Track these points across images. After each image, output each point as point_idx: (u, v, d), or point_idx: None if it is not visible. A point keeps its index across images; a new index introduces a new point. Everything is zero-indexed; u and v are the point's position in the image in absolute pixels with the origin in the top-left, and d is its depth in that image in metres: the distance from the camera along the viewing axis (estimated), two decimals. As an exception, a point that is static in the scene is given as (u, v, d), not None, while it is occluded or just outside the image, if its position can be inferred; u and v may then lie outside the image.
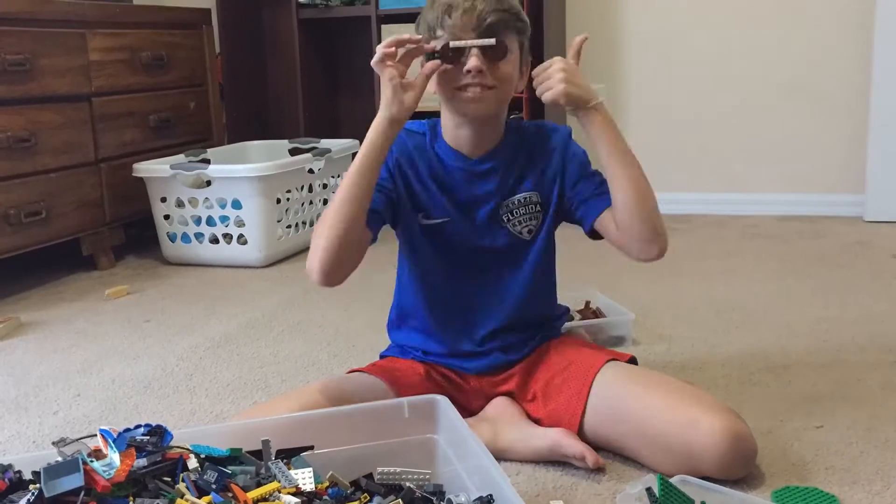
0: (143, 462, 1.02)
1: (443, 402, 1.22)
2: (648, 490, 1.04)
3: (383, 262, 2.75)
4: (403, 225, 1.38)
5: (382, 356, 1.47)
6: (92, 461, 1.01)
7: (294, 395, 1.32)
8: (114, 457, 1.01)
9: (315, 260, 1.25)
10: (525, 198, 1.37)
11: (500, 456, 1.26)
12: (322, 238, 1.24)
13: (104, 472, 0.99)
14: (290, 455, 1.09)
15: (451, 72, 1.27)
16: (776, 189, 3.13)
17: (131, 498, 1.00)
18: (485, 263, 1.38)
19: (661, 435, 1.20)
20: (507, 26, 1.27)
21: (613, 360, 1.34)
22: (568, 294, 1.92)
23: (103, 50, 2.66)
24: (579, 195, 1.35)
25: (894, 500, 1.16)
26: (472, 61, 1.25)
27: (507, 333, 1.39)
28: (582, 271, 2.40)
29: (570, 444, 1.25)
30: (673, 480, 1.09)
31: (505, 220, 1.36)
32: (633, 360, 1.38)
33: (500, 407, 1.37)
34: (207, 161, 2.78)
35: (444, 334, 1.40)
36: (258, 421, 1.16)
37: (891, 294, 2.10)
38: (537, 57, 3.17)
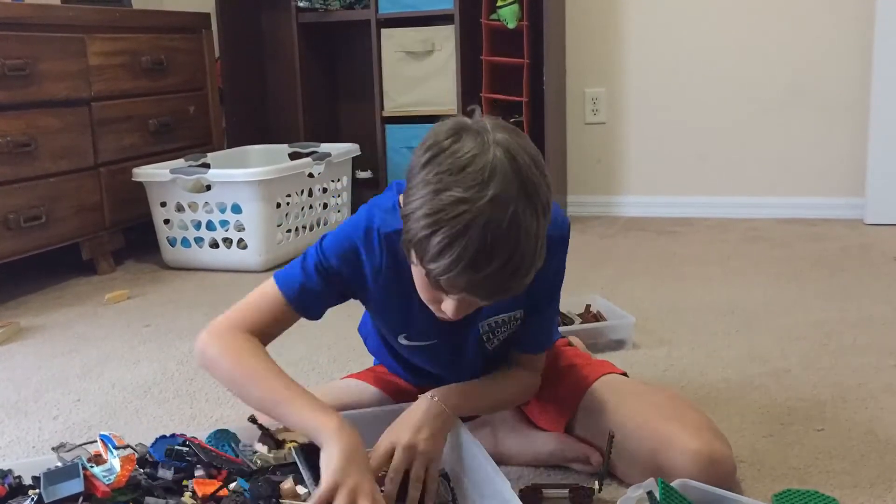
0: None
1: (443, 406, 1.21)
2: (650, 494, 1.04)
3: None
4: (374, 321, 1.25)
5: (377, 363, 1.45)
6: (92, 466, 1.01)
7: None
8: (114, 462, 1.01)
9: (207, 358, 1.12)
10: (509, 317, 1.19)
11: (501, 461, 1.26)
12: (218, 373, 1.12)
13: (104, 477, 0.99)
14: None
15: (429, 290, 1.02)
16: (777, 192, 3.13)
17: (131, 503, 1.00)
18: (456, 359, 1.24)
19: (634, 451, 1.18)
20: (523, 287, 1.00)
21: (606, 374, 1.30)
22: (569, 298, 1.92)
23: (103, 54, 2.66)
24: (529, 322, 1.21)
25: (896, 504, 1.16)
26: (451, 309, 1.01)
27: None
28: (583, 275, 2.40)
29: (573, 447, 1.25)
30: (674, 484, 1.08)
31: (485, 338, 1.21)
32: (624, 375, 1.34)
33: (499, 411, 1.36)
34: (207, 165, 2.78)
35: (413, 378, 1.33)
36: (253, 427, 1.16)
37: (891, 297, 2.10)
38: (537, 57, 3.17)
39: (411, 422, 1.11)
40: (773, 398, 1.52)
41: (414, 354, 1.26)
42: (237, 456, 1.09)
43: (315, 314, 1.18)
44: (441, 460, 1.11)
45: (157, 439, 1.08)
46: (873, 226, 2.90)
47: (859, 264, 2.44)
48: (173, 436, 1.09)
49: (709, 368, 1.68)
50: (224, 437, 1.12)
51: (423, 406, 1.13)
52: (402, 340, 1.22)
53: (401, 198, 1.04)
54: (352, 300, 1.21)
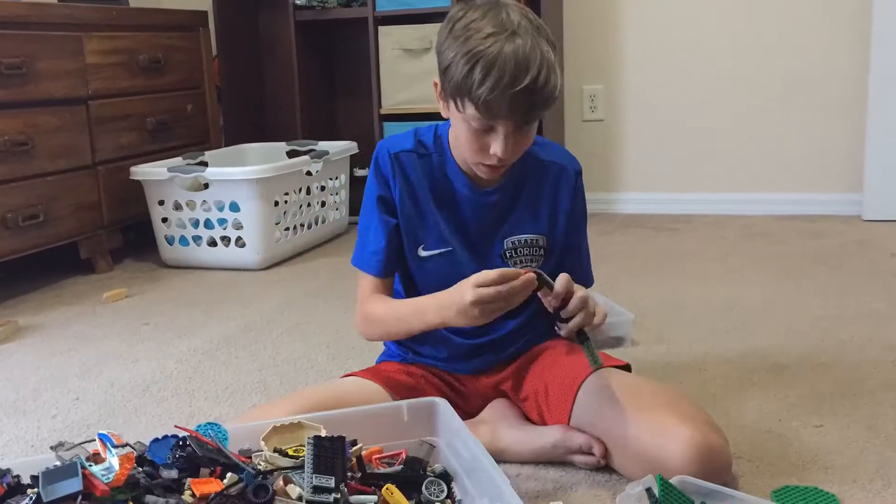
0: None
1: (442, 404, 1.21)
2: (648, 490, 1.04)
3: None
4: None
5: (378, 361, 1.46)
6: (91, 465, 1.01)
7: (291, 398, 1.31)
8: (112, 461, 1.01)
9: (368, 336, 1.39)
10: (531, 240, 1.33)
11: (500, 457, 1.26)
12: (377, 333, 1.37)
13: (103, 476, 0.99)
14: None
15: (477, 139, 1.19)
16: (775, 189, 3.13)
17: (130, 502, 1.00)
18: None
19: (631, 441, 1.18)
20: (545, 112, 1.20)
21: (608, 366, 1.31)
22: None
23: (100, 53, 2.66)
24: (566, 254, 1.36)
25: (894, 499, 1.15)
26: (499, 146, 1.17)
27: (498, 341, 1.37)
28: (580, 272, 2.40)
29: (575, 437, 1.25)
30: (673, 480, 1.08)
31: (507, 255, 1.32)
32: (627, 367, 1.35)
33: (498, 409, 1.36)
34: (205, 164, 2.78)
35: (434, 344, 1.38)
36: (257, 424, 1.16)
37: (889, 293, 2.10)
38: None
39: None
40: (772, 394, 1.53)
41: (432, 275, 1.32)
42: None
43: (392, 269, 1.34)
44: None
45: (151, 443, 1.08)
46: (871, 222, 2.90)
47: (857, 260, 2.45)
48: (166, 437, 1.08)
49: (708, 365, 1.68)
50: (214, 430, 1.12)
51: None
52: (422, 252, 1.32)
53: (435, 80, 1.23)
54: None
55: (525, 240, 1.32)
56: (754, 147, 3.13)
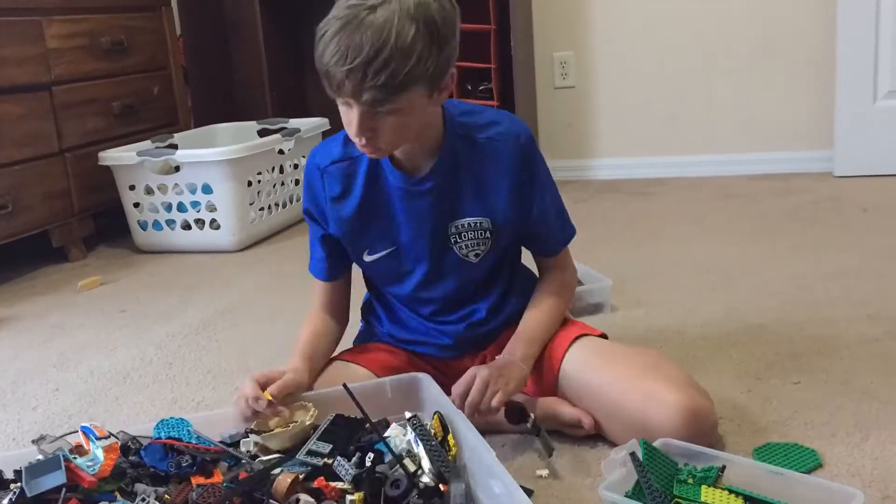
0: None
1: (425, 379, 1.22)
2: (632, 455, 1.05)
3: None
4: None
5: (359, 342, 1.44)
6: (75, 458, 1.00)
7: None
8: (97, 452, 1.00)
9: None
10: (475, 223, 1.26)
11: (488, 429, 1.27)
12: None
13: (88, 468, 0.98)
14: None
15: (344, 116, 1.13)
16: (746, 149, 3.14)
17: (117, 492, 0.99)
18: (436, 277, 1.31)
19: (618, 408, 1.20)
20: (387, 96, 1.07)
21: (583, 335, 1.32)
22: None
23: (61, 37, 2.60)
24: (535, 227, 1.31)
25: (873, 451, 1.18)
26: (353, 127, 1.11)
27: (471, 319, 1.36)
28: (558, 240, 2.40)
29: (565, 410, 1.26)
30: (656, 443, 1.10)
31: (452, 241, 1.27)
32: (603, 336, 1.36)
33: None
34: (175, 146, 2.74)
35: (408, 327, 1.38)
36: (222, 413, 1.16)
37: (862, 248, 2.13)
38: (504, 22, 3.12)
39: (497, 368, 1.23)
40: (750, 353, 1.54)
41: (389, 272, 1.32)
42: (199, 442, 1.08)
43: (338, 273, 1.36)
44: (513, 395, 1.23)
45: (145, 448, 1.07)
46: (842, 178, 2.92)
47: (830, 216, 2.47)
48: (157, 442, 1.07)
49: (687, 327, 1.70)
50: (176, 426, 1.11)
51: (507, 364, 1.25)
52: (367, 257, 1.31)
53: None
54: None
55: (468, 223, 1.26)
56: (726, 109, 3.14)
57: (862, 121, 2.88)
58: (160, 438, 1.07)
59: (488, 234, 1.27)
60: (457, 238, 1.27)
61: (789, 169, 3.07)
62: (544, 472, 1.18)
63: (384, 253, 1.30)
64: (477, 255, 1.28)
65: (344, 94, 1.08)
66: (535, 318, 1.31)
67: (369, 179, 1.25)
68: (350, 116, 1.11)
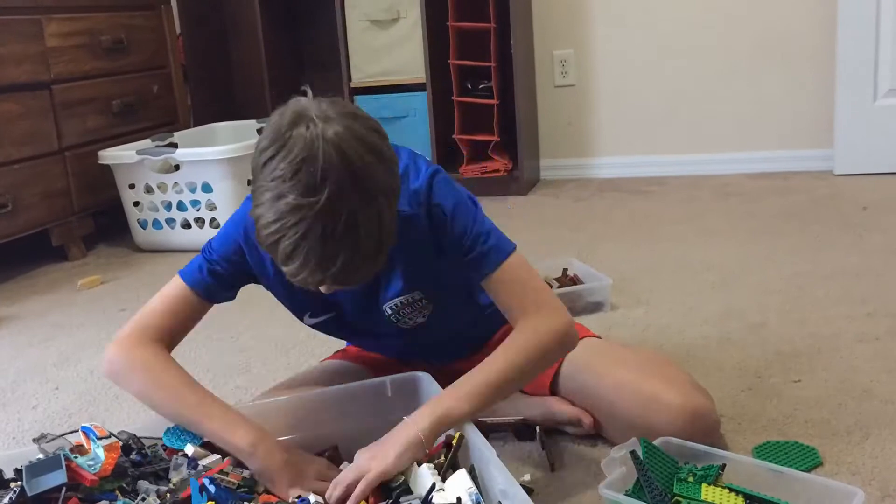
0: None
1: (425, 378, 1.22)
2: (633, 453, 1.05)
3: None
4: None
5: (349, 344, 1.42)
6: (76, 457, 1.00)
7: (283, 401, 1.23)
8: (98, 451, 1.00)
9: (115, 374, 1.14)
10: (407, 299, 1.18)
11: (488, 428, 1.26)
12: (132, 387, 1.14)
13: (90, 467, 0.98)
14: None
15: None
16: (746, 147, 3.14)
17: (118, 491, 0.99)
18: (389, 337, 1.26)
19: (621, 411, 1.19)
20: (354, 278, 0.99)
21: (583, 337, 1.29)
22: (545, 262, 1.93)
23: (61, 35, 2.60)
24: (460, 271, 1.14)
25: (874, 450, 1.18)
26: (323, 289, 1.01)
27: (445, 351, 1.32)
28: (559, 238, 2.40)
29: (564, 410, 1.26)
30: (656, 442, 1.10)
31: (394, 319, 1.20)
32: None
33: None
34: (174, 145, 2.74)
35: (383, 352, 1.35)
36: (239, 408, 1.16)
37: (862, 247, 2.13)
38: (504, 20, 3.12)
39: (379, 443, 1.05)
40: (750, 352, 1.54)
41: (334, 331, 1.28)
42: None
43: (223, 297, 1.19)
44: (391, 475, 1.01)
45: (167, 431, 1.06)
46: (842, 176, 2.92)
47: (830, 215, 2.47)
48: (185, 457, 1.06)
49: (687, 326, 1.70)
50: (181, 435, 1.09)
51: (395, 430, 1.05)
52: (308, 320, 1.23)
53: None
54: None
55: (402, 301, 1.17)
56: (726, 107, 3.14)
57: (862, 119, 2.88)
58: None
59: (425, 302, 1.19)
60: (398, 316, 1.19)
61: (789, 167, 3.07)
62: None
63: (325, 318, 1.23)
64: (425, 316, 1.20)
65: (315, 286, 0.99)
66: (485, 364, 1.10)
67: None
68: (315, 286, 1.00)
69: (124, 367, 1.12)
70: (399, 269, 1.15)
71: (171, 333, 1.16)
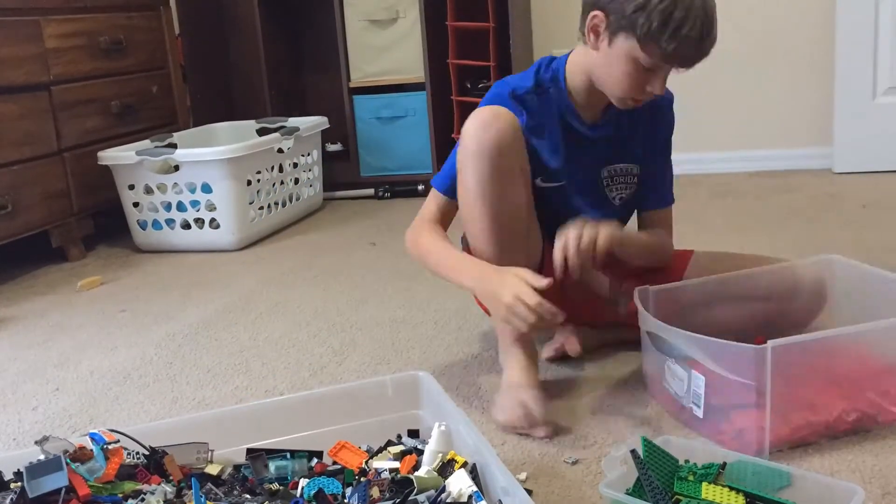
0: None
1: (425, 377, 1.22)
2: (633, 452, 1.05)
3: (361, 244, 2.73)
4: None
5: None
6: (77, 466, 0.99)
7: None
8: (99, 457, 1.00)
9: (407, 246, 1.44)
10: (626, 168, 1.44)
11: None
12: (416, 258, 1.42)
13: (91, 474, 0.98)
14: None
15: (637, 77, 1.28)
16: (746, 146, 3.14)
17: (121, 494, 0.99)
18: (585, 201, 1.45)
19: (765, 274, 1.40)
20: (709, 51, 1.32)
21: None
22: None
23: (59, 36, 2.60)
24: (647, 178, 1.47)
25: (874, 448, 1.18)
26: (659, 86, 1.29)
27: None
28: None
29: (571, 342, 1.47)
30: (657, 441, 1.10)
31: (605, 184, 1.44)
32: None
33: None
34: (174, 145, 2.74)
35: None
36: (239, 408, 1.16)
37: (862, 245, 2.13)
38: (503, 20, 3.11)
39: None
40: (750, 351, 1.54)
41: (549, 203, 1.43)
42: None
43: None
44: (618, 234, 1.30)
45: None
46: (842, 174, 2.92)
47: (830, 213, 2.47)
48: None
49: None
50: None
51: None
52: (539, 182, 1.41)
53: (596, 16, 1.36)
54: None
55: (621, 168, 1.44)
56: (725, 105, 3.14)
57: (861, 117, 2.88)
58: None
59: (635, 180, 1.45)
60: (609, 181, 1.44)
61: (789, 166, 3.07)
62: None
63: (554, 185, 1.41)
64: (621, 199, 1.45)
65: (681, 63, 1.27)
66: (642, 233, 1.49)
67: (555, 116, 1.39)
68: (650, 77, 1.28)
69: (408, 242, 1.43)
70: (632, 139, 1.43)
71: (440, 223, 1.43)
